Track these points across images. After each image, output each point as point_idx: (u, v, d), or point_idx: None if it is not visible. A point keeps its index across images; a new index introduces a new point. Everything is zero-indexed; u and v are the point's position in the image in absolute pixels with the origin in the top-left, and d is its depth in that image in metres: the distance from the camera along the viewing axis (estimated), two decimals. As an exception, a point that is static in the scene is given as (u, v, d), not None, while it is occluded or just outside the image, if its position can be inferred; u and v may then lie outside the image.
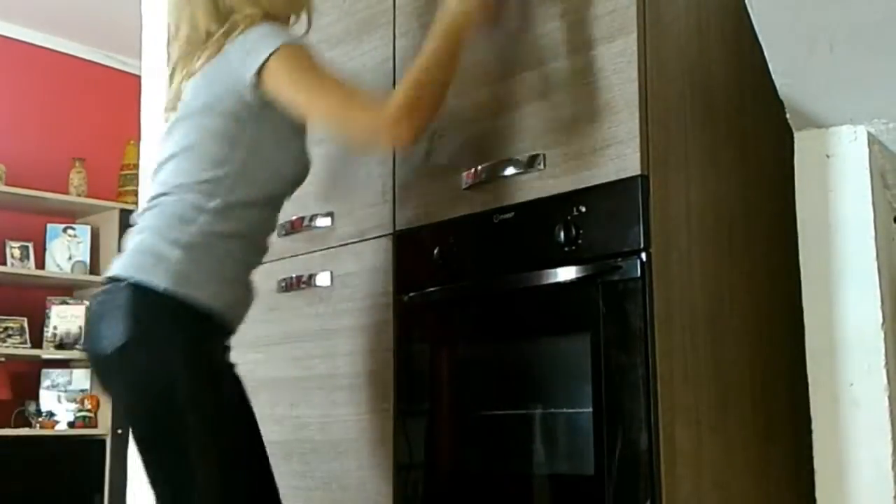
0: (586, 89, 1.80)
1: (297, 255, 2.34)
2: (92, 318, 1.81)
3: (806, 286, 1.80)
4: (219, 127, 1.79)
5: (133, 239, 1.82)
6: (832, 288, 1.78)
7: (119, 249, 1.84)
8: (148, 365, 1.71)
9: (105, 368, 1.78)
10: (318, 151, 2.06)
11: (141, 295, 1.72)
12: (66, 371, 5.15)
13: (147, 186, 2.04)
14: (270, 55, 1.75)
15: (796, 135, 1.84)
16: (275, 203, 1.91)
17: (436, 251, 2.01)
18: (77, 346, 5.06)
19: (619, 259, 1.71)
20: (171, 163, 1.82)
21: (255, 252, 1.90)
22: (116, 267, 1.78)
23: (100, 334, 1.75)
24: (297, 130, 1.89)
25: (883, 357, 1.72)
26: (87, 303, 5.10)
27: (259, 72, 1.76)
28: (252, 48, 1.78)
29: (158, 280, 1.71)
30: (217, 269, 1.78)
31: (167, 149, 1.85)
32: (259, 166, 1.82)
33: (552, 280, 1.81)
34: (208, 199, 1.77)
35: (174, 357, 1.71)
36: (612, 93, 1.75)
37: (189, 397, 1.71)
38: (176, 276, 1.72)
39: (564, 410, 1.83)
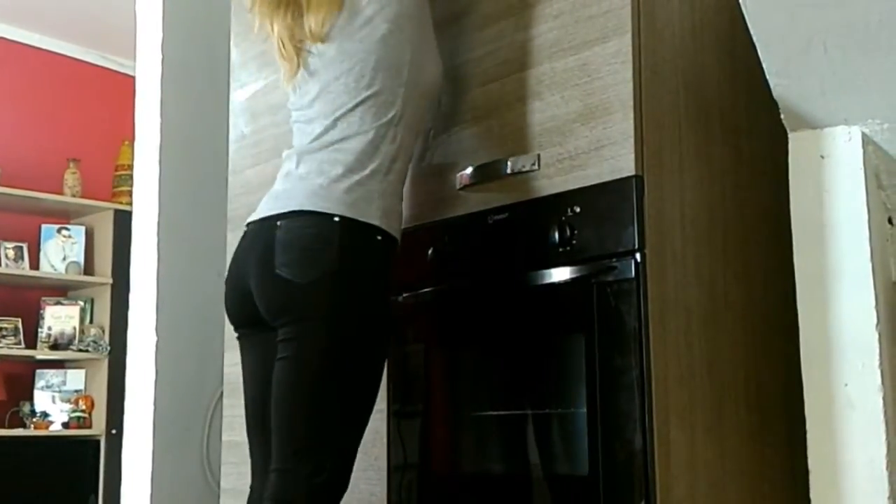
0: (581, 90, 1.80)
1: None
2: (277, 246, 1.79)
3: (800, 287, 1.80)
4: (384, 33, 1.86)
5: (314, 176, 1.83)
6: (827, 289, 1.77)
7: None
8: (351, 295, 1.77)
9: (292, 293, 1.77)
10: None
11: (354, 229, 1.78)
12: (61, 371, 5.13)
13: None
14: None
15: (791, 135, 1.84)
16: (429, 106, 1.98)
17: (430, 252, 2.00)
18: (71, 347, 5.05)
19: (614, 259, 1.71)
20: (334, 87, 1.86)
21: (408, 167, 1.95)
22: (296, 202, 1.81)
23: (292, 261, 1.77)
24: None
25: (877, 358, 1.71)
26: (80, 303, 5.09)
27: None
28: None
29: (366, 216, 1.79)
30: (399, 192, 1.89)
31: (321, 79, 1.89)
32: (423, 59, 1.91)
33: (547, 281, 1.81)
34: (385, 111, 1.84)
35: (375, 291, 1.82)
36: (606, 93, 1.75)
37: (375, 335, 1.82)
38: (382, 212, 1.82)
39: (559, 411, 1.83)
